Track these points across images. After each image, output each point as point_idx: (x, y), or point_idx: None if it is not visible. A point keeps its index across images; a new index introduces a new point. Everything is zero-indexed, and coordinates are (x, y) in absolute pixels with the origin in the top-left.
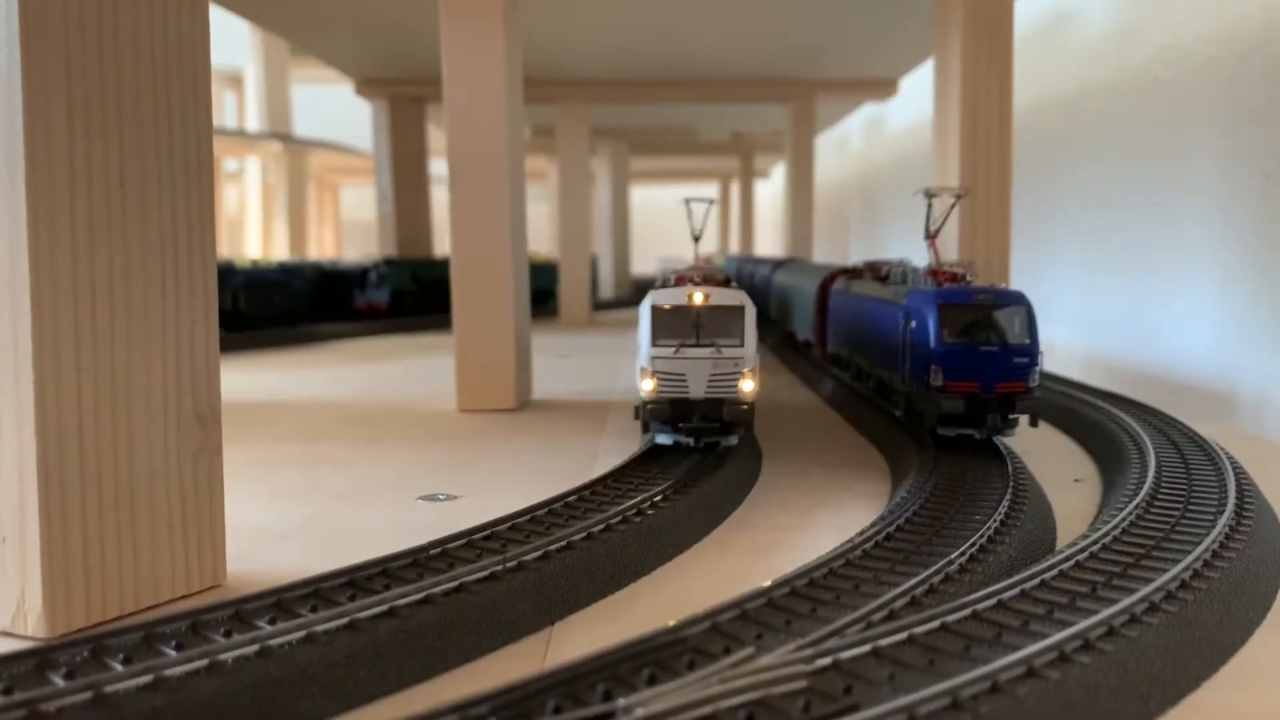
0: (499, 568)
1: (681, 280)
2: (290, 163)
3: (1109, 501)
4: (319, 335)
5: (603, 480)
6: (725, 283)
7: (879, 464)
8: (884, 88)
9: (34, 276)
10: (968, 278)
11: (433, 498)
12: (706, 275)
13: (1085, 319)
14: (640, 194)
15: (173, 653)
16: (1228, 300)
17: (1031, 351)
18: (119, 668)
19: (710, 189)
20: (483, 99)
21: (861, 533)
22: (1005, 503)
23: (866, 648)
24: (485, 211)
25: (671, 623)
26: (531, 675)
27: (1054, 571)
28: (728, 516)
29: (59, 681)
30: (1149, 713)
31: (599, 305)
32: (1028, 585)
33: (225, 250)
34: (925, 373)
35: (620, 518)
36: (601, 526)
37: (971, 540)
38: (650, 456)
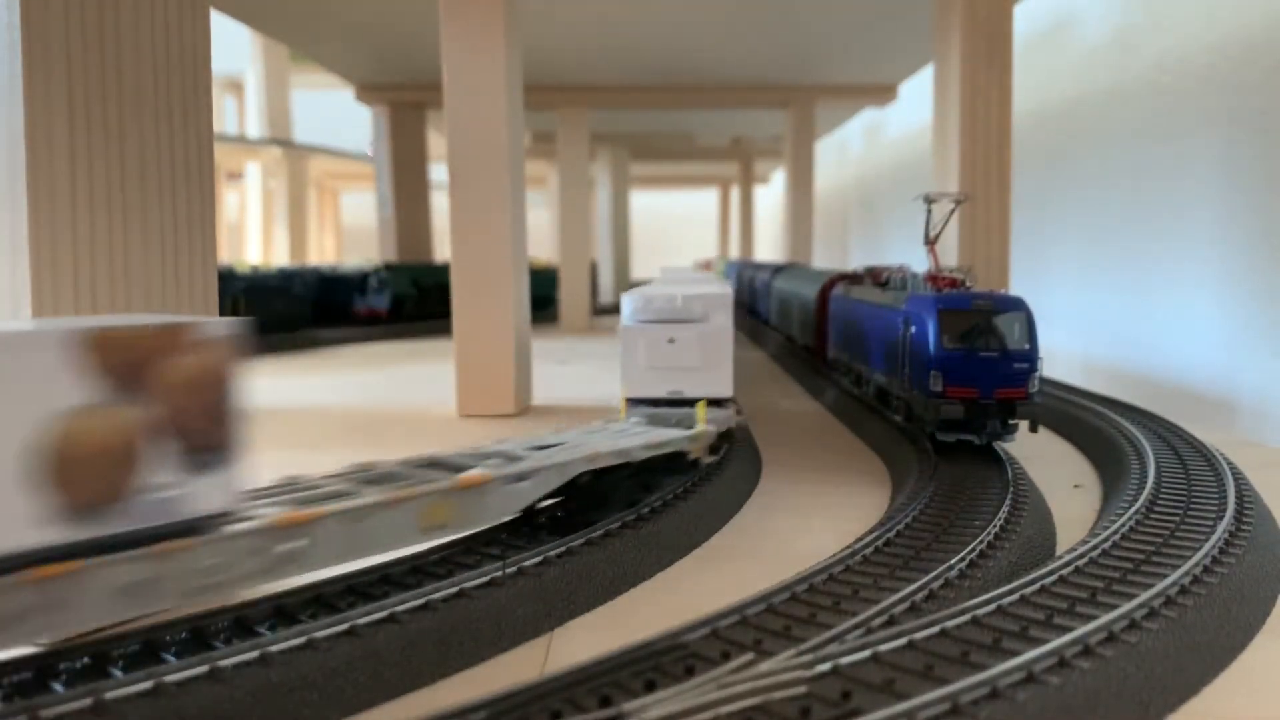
0: (499, 573)
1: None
2: (290, 168)
3: (1109, 507)
4: (319, 341)
5: None
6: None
7: (879, 469)
8: (883, 93)
9: (35, 281)
10: (967, 283)
11: None
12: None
13: (1085, 324)
14: (640, 199)
15: (173, 659)
16: (1227, 305)
17: (1031, 357)
18: (119, 674)
19: (710, 194)
20: (483, 104)
21: (861, 538)
22: (1005, 508)
23: (866, 653)
24: (485, 217)
25: None
26: (531, 681)
27: (1054, 577)
28: (728, 522)
29: (59, 688)
30: (1149, 718)
31: (599, 311)
32: (1028, 591)
33: (225, 255)
34: (925, 378)
35: (620, 523)
36: (601, 532)
37: (971, 545)
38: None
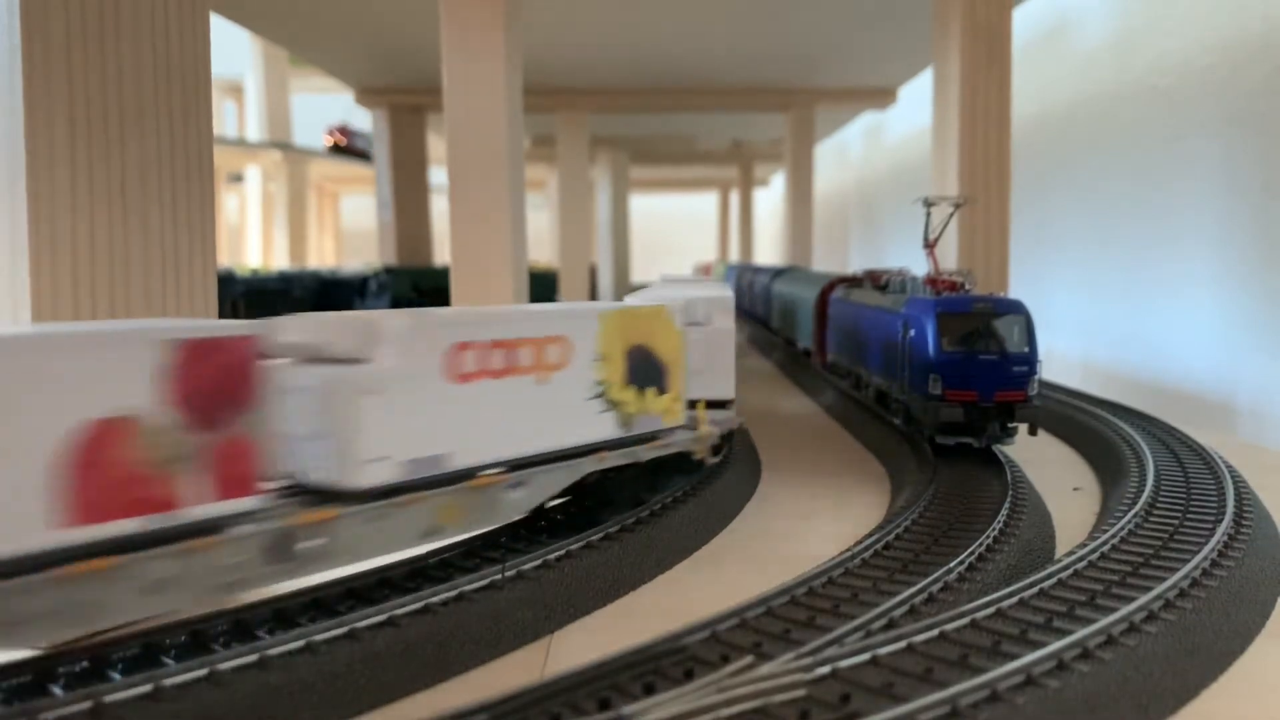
0: (498, 576)
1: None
2: (290, 171)
3: (1108, 510)
4: None
5: None
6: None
7: (878, 472)
8: (883, 97)
9: (35, 284)
10: (967, 286)
11: None
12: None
13: (1084, 326)
14: (640, 203)
15: (172, 663)
16: (1226, 308)
17: (1030, 360)
18: (118, 677)
19: (710, 198)
20: (483, 108)
21: (860, 541)
22: (1004, 511)
23: (865, 656)
24: (485, 220)
25: None
26: (531, 684)
27: (1053, 580)
28: (727, 525)
29: (58, 691)
30: None
31: None
32: (1026, 594)
33: (225, 259)
34: (924, 381)
35: (619, 526)
36: (600, 536)
37: (970, 549)
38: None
